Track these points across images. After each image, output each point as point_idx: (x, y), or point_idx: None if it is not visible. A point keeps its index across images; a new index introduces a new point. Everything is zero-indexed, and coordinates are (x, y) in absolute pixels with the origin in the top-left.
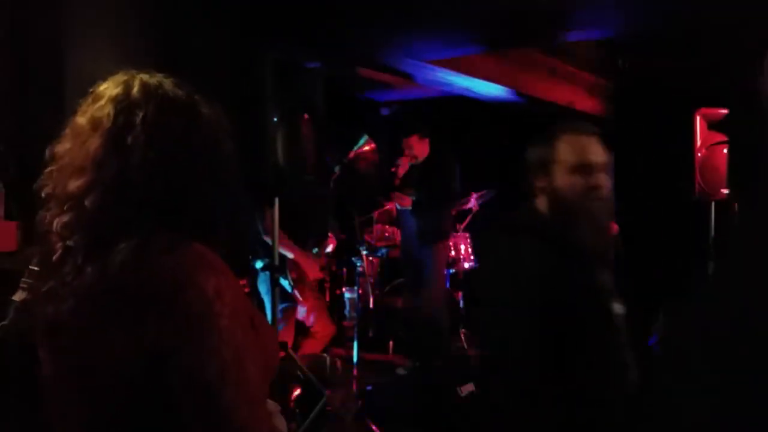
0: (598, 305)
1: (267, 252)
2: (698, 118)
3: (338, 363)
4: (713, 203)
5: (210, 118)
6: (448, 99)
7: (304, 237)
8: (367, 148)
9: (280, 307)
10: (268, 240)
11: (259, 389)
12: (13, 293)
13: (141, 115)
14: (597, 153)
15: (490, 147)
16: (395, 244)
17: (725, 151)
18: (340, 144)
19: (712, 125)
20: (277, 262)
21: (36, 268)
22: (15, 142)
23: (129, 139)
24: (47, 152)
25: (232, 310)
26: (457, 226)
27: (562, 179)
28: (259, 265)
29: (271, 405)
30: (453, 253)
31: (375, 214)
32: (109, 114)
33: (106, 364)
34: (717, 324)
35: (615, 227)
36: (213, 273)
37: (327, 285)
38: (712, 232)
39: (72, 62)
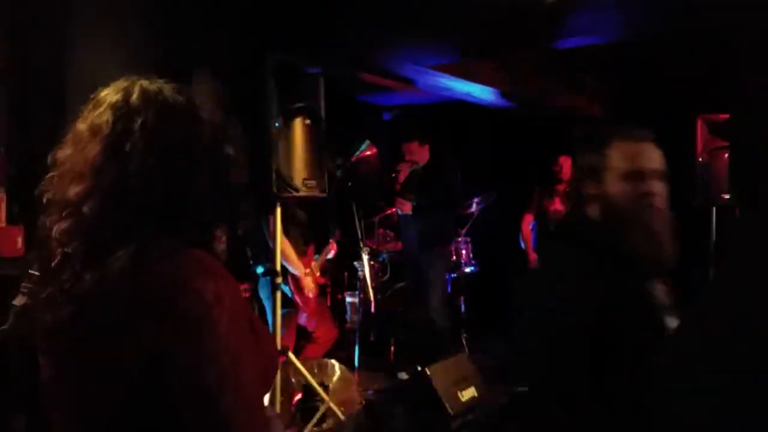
0: (648, 317)
1: (270, 257)
2: (699, 123)
3: (339, 368)
4: (714, 208)
5: (211, 124)
6: (449, 103)
7: (306, 242)
8: (368, 152)
9: (282, 312)
10: None
11: (257, 395)
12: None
13: (140, 121)
14: (651, 159)
15: (490, 151)
16: (396, 248)
17: (726, 156)
18: (342, 149)
19: (714, 130)
20: (278, 267)
21: (36, 273)
22: (17, 146)
23: (127, 146)
24: (49, 158)
25: (231, 316)
26: (458, 230)
27: (613, 186)
28: (260, 270)
29: (270, 410)
30: (454, 257)
31: (376, 219)
32: (108, 120)
33: (105, 369)
34: (717, 324)
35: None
36: (212, 278)
37: (328, 290)
38: (714, 237)
39: (73, 66)
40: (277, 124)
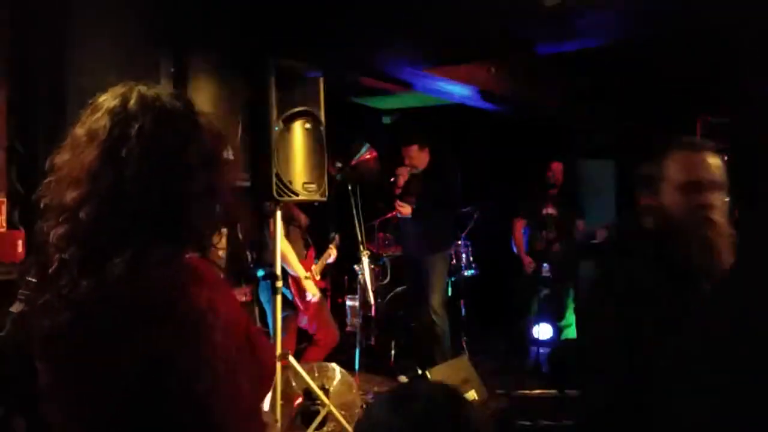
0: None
1: (270, 260)
2: (699, 124)
3: (339, 371)
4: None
5: (208, 130)
6: (449, 106)
7: (306, 245)
8: (368, 156)
9: (282, 315)
10: None
11: (252, 402)
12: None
13: (137, 127)
14: (709, 170)
15: (490, 154)
16: (396, 252)
17: (726, 157)
18: (342, 152)
19: (710, 132)
20: (278, 270)
21: (33, 280)
22: (18, 150)
23: (124, 152)
24: (47, 163)
25: (225, 324)
26: (458, 233)
27: (669, 198)
28: (260, 273)
29: (267, 416)
30: (454, 260)
31: (376, 223)
32: (105, 126)
33: (102, 375)
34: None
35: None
36: (206, 286)
37: (329, 293)
38: None
39: (75, 70)
40: (277, 128)
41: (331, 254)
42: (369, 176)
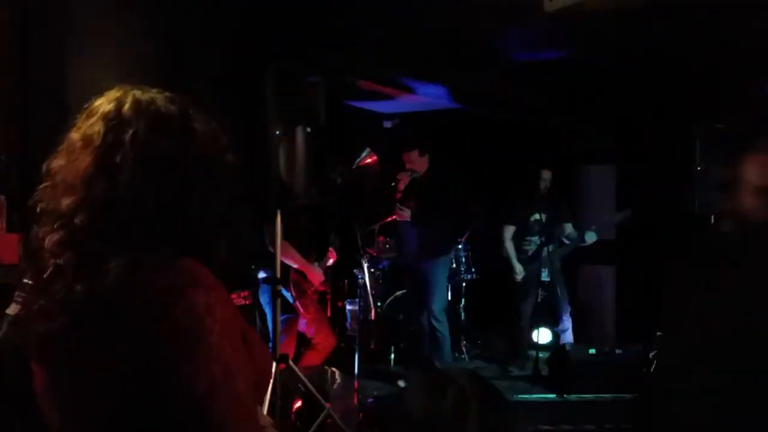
0: None
1: (270, 264)
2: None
3: (339, 375)
4: (713, 217)
5: (204, 134)
6: (450, 111)
7: (306, 249)
8: (369, 160)
9: (282, 318)
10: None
11: (250, 406)
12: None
13: (131, 132)
14: None
15: (491, 159)
16: (396, 256)
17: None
18: (343, 156)
19: (708, 139)
20: (278, 274)
21: (30, 282)
22: (17, 153)
23: (118, 157)
24: (43, 167)
25: (222, 327)
26: (458, 238)
27: (748, 201)
28: (261, 276)
29: (265, 419)
30: (454, 265)
31: (376, 227)
32: (99, 131)
33: (98, 379)
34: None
35: None
36: (203, 289)
37: (328, 297)
38: None
39: (74, 73)
40: (277, 132)
41: (331, 258)
42: (370, 180)
